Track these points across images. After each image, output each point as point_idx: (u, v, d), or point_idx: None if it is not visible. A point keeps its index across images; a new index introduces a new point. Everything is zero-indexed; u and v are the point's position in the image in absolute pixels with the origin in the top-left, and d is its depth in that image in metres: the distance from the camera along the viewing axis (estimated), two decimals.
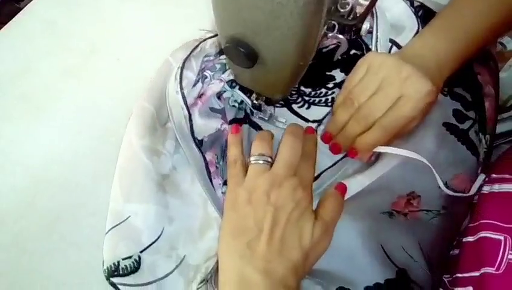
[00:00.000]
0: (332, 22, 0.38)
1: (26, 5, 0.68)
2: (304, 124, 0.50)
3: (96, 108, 0.57)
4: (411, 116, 0.40)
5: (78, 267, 0.46)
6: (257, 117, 0.51)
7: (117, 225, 0.42)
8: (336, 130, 0.45)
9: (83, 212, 0.49)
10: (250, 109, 0.50)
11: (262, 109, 0.50)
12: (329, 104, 0.50)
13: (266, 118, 0.50)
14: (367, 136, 0.42)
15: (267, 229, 0.35)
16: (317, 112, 0.50)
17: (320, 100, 0.51)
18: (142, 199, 0.43)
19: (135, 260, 0.41)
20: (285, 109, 0.51)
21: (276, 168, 0.38)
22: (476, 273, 0.34)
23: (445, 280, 0.39)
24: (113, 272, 0.40)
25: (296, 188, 0.37)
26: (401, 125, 0.41)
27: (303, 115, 0.51)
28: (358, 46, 0.52)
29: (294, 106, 0.52)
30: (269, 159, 0.39)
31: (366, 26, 0.39)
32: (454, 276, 0.37)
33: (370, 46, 0.50)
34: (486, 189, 0.41)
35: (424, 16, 0.52)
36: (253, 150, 0.40)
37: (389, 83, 0.40)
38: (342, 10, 0.38)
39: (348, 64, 0.51)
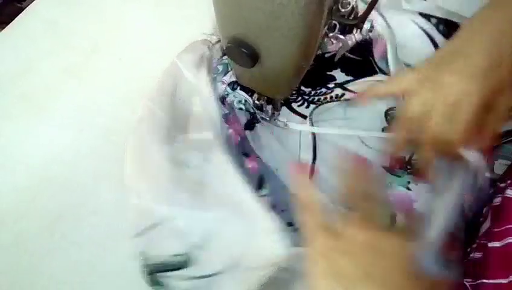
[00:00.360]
0: (333, 22, 0.38)
1: (28, 5, 0.68)
2: (301, 120, 0.51)
3: (97, 107, 0.57)
4: (467, 121, 0.38)
5: (79, 267, 0.46)
6: (259, 117, 0.51)
7: (154, 225, 0.42)
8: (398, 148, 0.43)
9: (83, 212, 0.49)
10: (253, 108, 0.51)
11: (264, 109, 0.50)
12: (323, 102, 0.52)
13: (267, 118, 0.51)
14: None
15: (368, 274, 0.33)
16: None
17: (319, 99, 0.52)
18: (179, 203, 0.43)
19: (185, 256, 0.41)
20: (284, 107, 0.52)
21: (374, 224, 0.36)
22: (504, 281, 0.33)
23: (467, 284, 0.38)
24: (159, 268, 0.40)
25: (402, 239, 0.34)
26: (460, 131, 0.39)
27: (300, 112, 0.52)
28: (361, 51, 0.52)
29: (294, 105, 0.52)
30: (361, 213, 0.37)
31: (367, 26, 0.39)
32: (479, 281, 0.36)
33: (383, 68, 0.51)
34: (511, 193, 0.40)
35: (446, 30, 0.52)
36: (348, 200, 0.38)
37: (436, 106, 0.39)
38: (343, 10, 0.38)
39: (348, 64, 0.52)
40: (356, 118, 0.51)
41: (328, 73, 0.52)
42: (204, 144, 0.45)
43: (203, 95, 0.48)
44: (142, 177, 0.45)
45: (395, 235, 0.35)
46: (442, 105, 0.39)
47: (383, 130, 0.50)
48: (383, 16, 0.51)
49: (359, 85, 0.52)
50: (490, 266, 0.36)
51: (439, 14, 0.53)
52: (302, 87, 0.52)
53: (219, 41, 0.55)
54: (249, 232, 0.41)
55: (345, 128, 0.51)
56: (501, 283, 0.34)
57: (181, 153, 0.45)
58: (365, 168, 0.41)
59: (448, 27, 0.52)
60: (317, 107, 0.52)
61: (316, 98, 0.52)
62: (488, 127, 0.39)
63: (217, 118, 0.47)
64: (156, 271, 0.40)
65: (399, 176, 0.48)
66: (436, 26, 0.52)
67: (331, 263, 0.35)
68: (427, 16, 0.52)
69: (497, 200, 0.41)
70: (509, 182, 0.41)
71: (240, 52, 0.37)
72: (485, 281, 0.36)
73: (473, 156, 0.39)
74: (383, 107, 0.51)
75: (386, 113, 0.51)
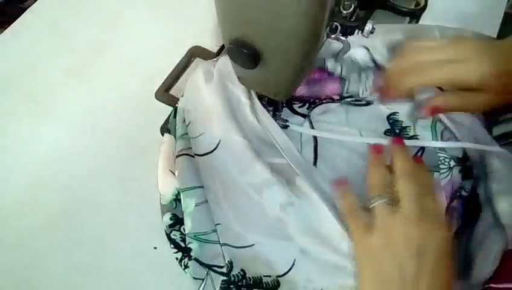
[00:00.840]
0: (335, 23, 0.38)
1: (30, 5, 0.68)
2: (303, 120, 0.52)
3: (99, 107, 0.57)
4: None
5: (80, 266, 0.46)
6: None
7: (241, 247, 0.43)
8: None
9: (86, 211, 0.49)
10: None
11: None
12: (324, 101, 0.52)
13: None
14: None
15: (410, 280, 0.33)
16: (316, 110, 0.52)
17: (321, 101, 0.52)
18: (262, 233, 0.43)
19: (275, 280, 0.42)
20: (285, 108, 0.52)
21: (406, 207, 0.35)
22: None
23: None
24: (258, 284, 0.41)
25: (435, 226, 0.35)
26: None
27: (301, 112, 0.52)
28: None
29: (295, 106, 0.53)
30: (389, 199, 0.37)
31: (368, 27, 0.39)
32: (487, 286, 0.36)
33: None
34: None
35: None
36: (371, 191, 0.38)
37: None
38: (344, 12, 0.38)
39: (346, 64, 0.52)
40: (358, 120, 0.51)
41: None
42: (283, 170, 0.45)
43: (264, 123, 0.48)
44: (228, 205, 0.45)
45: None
46: None
47: (385, 133, 0.50)
48: None
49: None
50: (499, 270, 0.36)
51: None
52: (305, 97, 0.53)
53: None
54: (334, 264, 0.41)
55: (346, 132, 0.51)
56: (509, 288, 0.34)
57: (262, 181, 0.44)
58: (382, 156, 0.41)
59: None
60: (316, 106, 0.52)
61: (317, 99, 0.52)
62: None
63: (289, 145, 0.47)
64: (254, 287, 0.41)
65: None
66: None
67: (373, 261, 0.35)
68: None
69: None
70: None
71: (242, 53, 0.37)
72: (493, 285, 0.36)
73: None
74: (385, 111, 0.51)
75: (388, 118, 0.51)
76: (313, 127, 0.51)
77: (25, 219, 0.49)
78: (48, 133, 0.55)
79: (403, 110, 0.51)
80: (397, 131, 0.50)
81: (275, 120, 0.50)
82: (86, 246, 0.47)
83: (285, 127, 0.50)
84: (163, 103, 0.55)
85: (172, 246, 0.45)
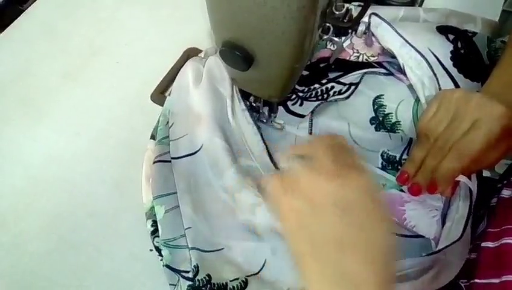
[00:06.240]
0: (327, 24, 0.38)
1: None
2: (298, 120, 0.52)
3: (94, 110, 0.57)
4: (486, 140, 0.40)
5: (76, 269, 0.46)
6: (256, 119, 0.51)
7: (211, 251, 0.43)
8: (413, 168, 0.44)
9: (81, 214, 0.49)
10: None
11: (260, 111, 0.50)
12: (319, 97, 0.53)
13: (264, 120, 0.51)
14: (443, 162, 0.41)
15: (346, 241, 0.30)
16: (309, 107, 0.52)
17: (311, 94, 0.53)
18: (232, 236, 0.44)
19: (242, 281, 0.42)
20: (280, 108, 0.52)
21: (323, 165, 0.32)
22: (496, 281, 0.33)
23: (462, 284, 0.38)
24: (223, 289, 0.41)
25: (355, 178, 0.31)
26: (476, 149, 0.40)
27: (296, 111, 0.52)
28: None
29: (289, 104, 0.53)
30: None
31: (361, 28, 0.39)
32: (472, 281, 0.36)
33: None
34: (507, 193, 0.40)
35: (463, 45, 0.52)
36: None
37: (461, 113, 0.41)
38: (337, 12, 0.37)
39: (340, 63, 0.53)
40: (347, 112, 0.52)
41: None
42: (254, 171, 0.46)
43: (242, 126, 0.49)
44: (201, 208, 0.45)
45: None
46: (467, 117, 0.41)
47: (370, 121, 0.51)
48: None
49: (350, 78, 0.54)
50: (483, 266, 0.36)
51: (455, 22, 0.54)
52: (296, 86, 0.53)
53: None
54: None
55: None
56: (493, 283, 0.34)
57: (234, 184, 0.45)
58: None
59: (466, 43, 0.52)
60: (318, 105, 0.52)
61: (308, 94, 0.53)
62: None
63: (261, 149, 0.47)
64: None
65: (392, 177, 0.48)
66: (455, 42, 0.51)
67: (307, 235, 0.32)
68: (444, 31, 0.52)
69: (494, 201, 0.41)
70: (505, 182, 0.41)
71: (234, 55, 0.37)
72: (477, 281, 0.36)
73: None
74: (371, 95, 0.53)
75: (374, 102, 0.52)
76: (311, 127, 0.52)
77: (20, 222, 0.49)
78: (43, 136, 0.55)
79: (388, 92, 0.52)
80: (380, 118, 0.51)
81: (271, 121, 0.50)
82: (81, 249, 0.47)
83: (280, 129, 0.51)
84: (159, 104, 0.55)
85: (157, 254, 0.45)
